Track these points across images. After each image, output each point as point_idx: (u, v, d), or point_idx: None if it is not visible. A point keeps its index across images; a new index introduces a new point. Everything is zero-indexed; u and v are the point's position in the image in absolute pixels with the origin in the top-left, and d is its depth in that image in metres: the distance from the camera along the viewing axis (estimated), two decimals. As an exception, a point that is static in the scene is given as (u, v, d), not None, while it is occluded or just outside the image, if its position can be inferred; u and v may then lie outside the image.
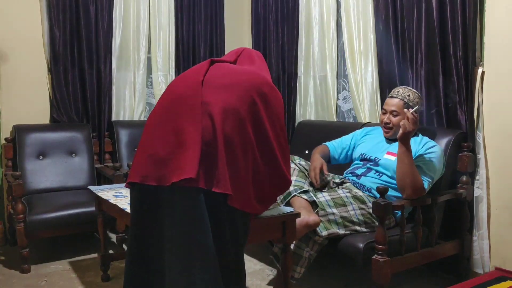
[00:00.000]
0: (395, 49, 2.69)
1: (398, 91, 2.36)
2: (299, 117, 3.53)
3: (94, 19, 3.26)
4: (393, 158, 2.26)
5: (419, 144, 2.27)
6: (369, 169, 2.34)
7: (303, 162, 2.38)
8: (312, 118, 3.45)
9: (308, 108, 3.48)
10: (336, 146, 2.61)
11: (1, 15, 3.03)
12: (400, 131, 2.10)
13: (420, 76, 2.56)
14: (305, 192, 2.18)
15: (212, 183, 1.44)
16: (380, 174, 2.30)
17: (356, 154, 2.51)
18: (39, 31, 3.14)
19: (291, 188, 2.19)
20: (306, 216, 2.04)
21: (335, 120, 3.27)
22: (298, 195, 2.16)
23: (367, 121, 2.91)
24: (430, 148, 2.23)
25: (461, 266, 2.36)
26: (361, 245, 2.04)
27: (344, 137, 2.64)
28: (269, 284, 2.44)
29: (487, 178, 2.34)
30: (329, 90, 3.28)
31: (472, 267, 2.39)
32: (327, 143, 2.64)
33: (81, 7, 3.20)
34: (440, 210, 2.31)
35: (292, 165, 2.30)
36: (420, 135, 2.35)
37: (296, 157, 2.39)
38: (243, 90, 1.53)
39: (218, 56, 3.78)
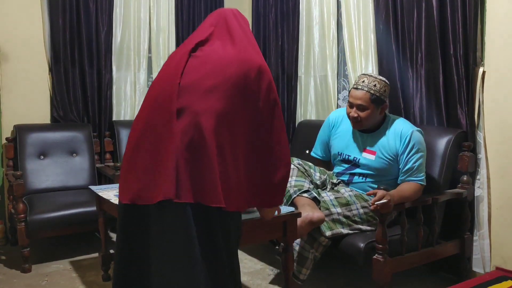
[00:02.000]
0: (396, 48, 2.69)
1: (363, 81, 2.22)
2: (299, 117, 3.53)
3: (94, 18, 3.26)
4: (372, 157, 2.26)
5: (396, 137, 2.21)
6: (352, 175, 2.33)
7: (301, 163, 2.37)
8: (313, 118, 3.45)
9: (309, 108, 3.47)
10: (319, 152, 2.57)
11: (2, 15, 3.03)
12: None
13: (420, 76, 2.56)
14: (305, 191, 2.19)
15: (203, 196, 1.39)
16: (365, 177, 2.29)
17: (333, 151, 2.45)
18: (40, 31, 3.14)
19: (291, 191, 2.20)
20: (310, 213, 2.04)
21: (336, 119, 3.27)
22: (299, 195, 2.16)
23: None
24: (410, 143, 2.17)
25: (461, 266, 2.36)
26: (361, 245, 2.04)
27: (319, 135, 2.57)
28: (271, 283, 2.44)
29: (488, 177, 2.34)
30: (329, 90, 3.28)
31: (472, 267, 2.39)
32: (312, 154, 2.61)
33: (81, 7, 3.20)
34: (440, 210, 2.31)
35: (292, 166, 2.30)
36: (388, 118, 2.30)
37: (294, 159, 2.37)
38: (231, 87, 1.43)
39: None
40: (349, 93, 2.31)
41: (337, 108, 3.28)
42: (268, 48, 3.70)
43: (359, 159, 2.30)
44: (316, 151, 2.60)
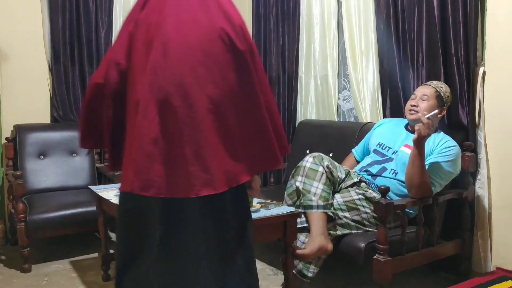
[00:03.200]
0: (396, 48, 2.68)
1: (432, 82, 2.36)
2: (300, 117, 3.53)
3: (94, 18, 3.26)
4: (410, 152, 2.23)
5: (436, 142, 2.23)
6: (384, 169, 2.32)
7: (330, 166, 2.23)
8: (313, 117, 3.45)
9: (309, 108, 3.47)
10: (358, 149, 2.64)
11: (2, 15, 3.03)
12: (415, 134, 2.06)
13: (421, 76, 2.56)
14: (329, 209, 2.15)
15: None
16: (395, 173, 2.28)
17: (373, 143, 2.47)
18: (40, 30, 3.14)
19: (314, 201, 2.11)
20: (325, 243, 2.04)
21: (336, 120, 3.27)
22: (324, 211, 2.10)
23: (368, 121, 2.90)
24: (447, 149, 2.19)
25: (462, 266, 2.36)
26: (362, 245, 2.04)
27: (365, 137, 2.63)
28: (271, 283, 2.44)
29: (488, 177, 2.33)
30: (330, 89, 3.27)
31: (473, 267, 2.38)
32: (353, 150, 2.67)
33: (81, 7, 3.20)
34: (441, 209, 2.31)
35: (320, 169, 2.18)
36: (441, 132, 2.33)
37: (326, 158, 2.23)
38: (219, 67, 1.32)
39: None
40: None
41: (337, 107, 3.29)
42: (269, 48, 3.69)
43: (397, 151, 2.31)
44: (357, 150, 2.65)
